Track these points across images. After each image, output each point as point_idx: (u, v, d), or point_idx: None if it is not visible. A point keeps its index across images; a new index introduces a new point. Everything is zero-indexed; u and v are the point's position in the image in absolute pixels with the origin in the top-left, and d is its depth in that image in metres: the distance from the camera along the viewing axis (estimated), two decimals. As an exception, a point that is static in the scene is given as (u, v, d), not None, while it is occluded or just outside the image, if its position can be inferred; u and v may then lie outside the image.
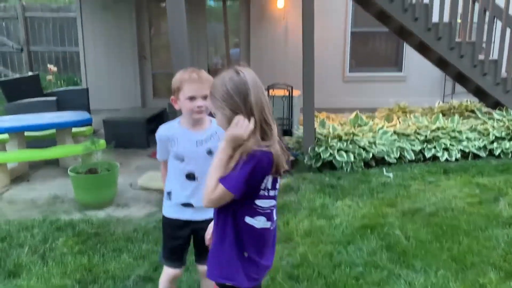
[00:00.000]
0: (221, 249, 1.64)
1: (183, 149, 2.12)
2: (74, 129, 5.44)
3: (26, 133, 5.13)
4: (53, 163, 5.24)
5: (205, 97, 2.06)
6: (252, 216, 1.61)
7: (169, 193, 2.22)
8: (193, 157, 2.11)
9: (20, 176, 4.94)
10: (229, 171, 1.54)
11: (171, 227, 2.24)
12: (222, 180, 1.53)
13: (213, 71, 8.90)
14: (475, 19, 5.78)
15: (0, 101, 7.69)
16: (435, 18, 5.54)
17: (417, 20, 5.50)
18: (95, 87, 8.11)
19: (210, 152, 2.12)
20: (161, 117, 6.68)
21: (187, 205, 2.17)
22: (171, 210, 2.22)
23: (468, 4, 5.62)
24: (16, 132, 4.88)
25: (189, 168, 2.13)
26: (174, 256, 2.28)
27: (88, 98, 6.86)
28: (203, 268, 2.30)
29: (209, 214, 2.00)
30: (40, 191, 4.51)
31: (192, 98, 2.06)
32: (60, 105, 6.00)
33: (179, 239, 2.24)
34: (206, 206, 1.60)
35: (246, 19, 8.50)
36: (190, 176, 2.14)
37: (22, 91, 6.18)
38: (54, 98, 6.07)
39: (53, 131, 5.25)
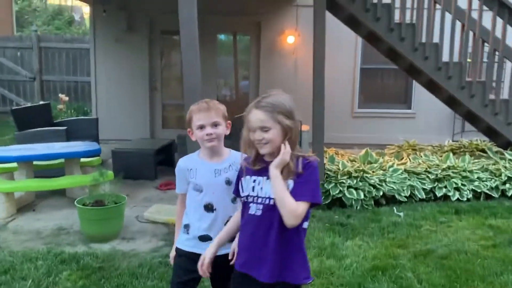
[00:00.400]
0: (299, 256, 1.82)
1: (201, 180, 2.12)
2: (82, 159, 5.44)
3: (34, 162, 5.13)
4: (60, 192, 5.20)
5: (214, 125, 2.09)
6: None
7: (186, 226, 2.19)
8: (211, 188, 2.11)
9: (26, 205, 4.91)
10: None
11: (186, 260, 2.18)
12: (301, 197, 1.73)
13: (222, 102, 8.99)
14: (485, 58, 5.81)
15: (11, 130, 7.76)
16: (445, 57, 5.57)
17: (427, 59, 5.54)
18: (105, 117, 8.15)
19: (228, 182, 2.11)
20: (169, 149, 6.68)
21: (205, 238, 2.13)
22: (188, 244, 2.17)
23: (478, 44, 5.66)
24: (25, 161, 4.89)
25: (207, 199, 2.12)
26: (186, 287, 2.21)
27: (97, 128, 6.89)
28: None
29: (227, 249, 2.09)
30: (46, 221, 4.46)
31: (201, 127, 2.09)
32: (69, 135, 6.02)
33: (193, 273, 2.17)
34: (293, 225, 1.73)
35: (256, 53, 8.61)
36: (209, 207, 2.12)
37: (32, 120, 6.23)
38: (63, 127, 6.10)
39: (61, 160, 5.25)
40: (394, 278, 3.23)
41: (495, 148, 6.19)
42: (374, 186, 4.83)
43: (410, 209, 4.72)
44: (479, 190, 5.05)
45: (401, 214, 4.57)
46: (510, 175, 5.15)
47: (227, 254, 2.12)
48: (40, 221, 4.46)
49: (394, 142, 7.12)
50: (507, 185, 5.08)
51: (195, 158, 2.19)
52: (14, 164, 5.02)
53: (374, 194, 4.78)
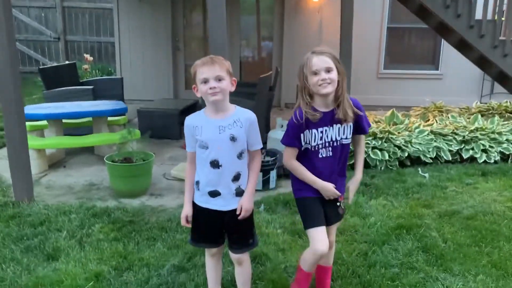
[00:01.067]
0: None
1: (206, 136, 2.14)
2: (109, 118, 5.53)
3: (63, 121, 5.24)
4: (89, 150, 5.34)
5: (218, 79, 2.07)
6: None
7: (197, 183, 2.25)
8: (216, 144, 2.13)
9: (57, 162, 5.07)
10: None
11: (201, 215, 2.27)
12: (367, 128, 2.29)
13: (245, 63, 8.94)
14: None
15: (38, 89, 7.91)
16: (478, 15, 5.36)
17: (459, 17, 5.34)
18: (128, 77, 8.20)
19: (233, 139, 2.13)
20: (193, 109, 6.70)
21: (214, 194, 2.19)
22: (201, 200, 2.25)
23: (513, 1, 5.41)
24: (55, 119, 5.00)
25: (213, 155, 2.15)
26: (204, 238, 2.33)
27: (122, 87, 6.95)
28: (236, 256, 2.31)
29: (235, 204, 2.20)
30: (76, 177, 4.61)
31: (205, 81, 2.07)
32: (95, 94, 6.09)
33: (209, 226, 2.28)
34: None
35: (280, 12, 8.44)
36: (214, 163, 2.15)
37: (59, 79, 6.31)
38: (90, 87, 6.18)
39: (89, 119, 5.36)
40: (419, 237, 3.26)
41: (526, 110, 6.04)
42: (399, 147, 4.79)
43: (436, 171, 4.69)
44: (507, 152, 4.97)
45: (426, 175, 4.55)
46: (541, 138, 5.03)
47: (235, 209, 2.20)
48: (71, 177, 4.62)
49: (420, 104, 6.99)
50: (537, 148, 4.98)
51: (201, 115, 2.20)
52: (45, 122, 5.15)
53: (399, 155, 4.76)
